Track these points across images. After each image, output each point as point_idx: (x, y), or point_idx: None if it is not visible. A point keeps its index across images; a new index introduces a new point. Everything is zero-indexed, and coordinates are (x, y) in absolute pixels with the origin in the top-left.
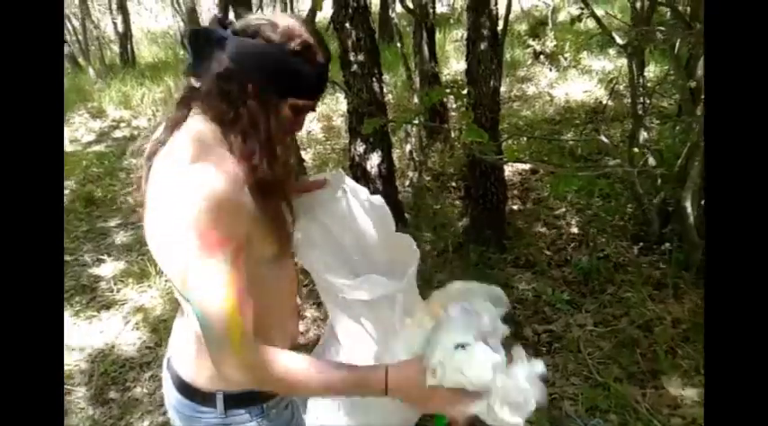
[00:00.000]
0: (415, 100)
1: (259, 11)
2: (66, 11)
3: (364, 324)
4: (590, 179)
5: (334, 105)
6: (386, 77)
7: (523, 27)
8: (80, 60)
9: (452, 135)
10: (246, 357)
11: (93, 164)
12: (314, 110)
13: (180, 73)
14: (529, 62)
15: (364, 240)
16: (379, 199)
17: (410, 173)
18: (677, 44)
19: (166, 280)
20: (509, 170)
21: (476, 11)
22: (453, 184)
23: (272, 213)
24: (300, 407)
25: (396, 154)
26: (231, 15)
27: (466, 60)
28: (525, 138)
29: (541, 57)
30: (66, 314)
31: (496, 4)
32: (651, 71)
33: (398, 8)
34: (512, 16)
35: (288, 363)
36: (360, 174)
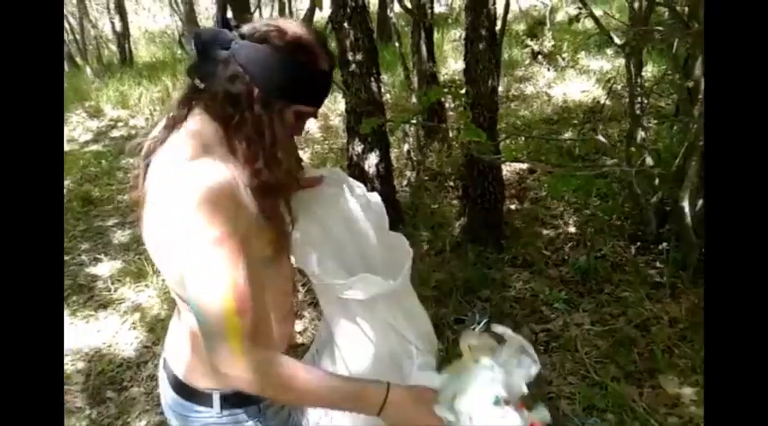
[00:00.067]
0: (413, 99)
1: (258, 10)
2: (64, 10)
3: (360, 324)
4: (588, 178)
5: (332, 105)
6: (384, 77)
7: (521, 27)
8: (77, 59)
9: (450, 134)
10: (245, 358)
11: (90, 164)
12: (316, 116)
13: (178, 72)
14: (527, 62)
15: (361, 238)
16: (375, 197)
17: (408, 173)
18: (675, 44)
19: (163, 280)
20: (507, 169)
21: (474, 10)
22: (451, 184)
23: (271, 214)
24: (297, 408)
25: (394, 153)
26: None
27: (464, 60)
28: (523, 138)
29: (539, 56)
30: (64, 313)
31: (494, 3)
32: (649, 71)
33: (397, 8)
34: (510, 16)
35: (287, 370)
36: (358, 174)
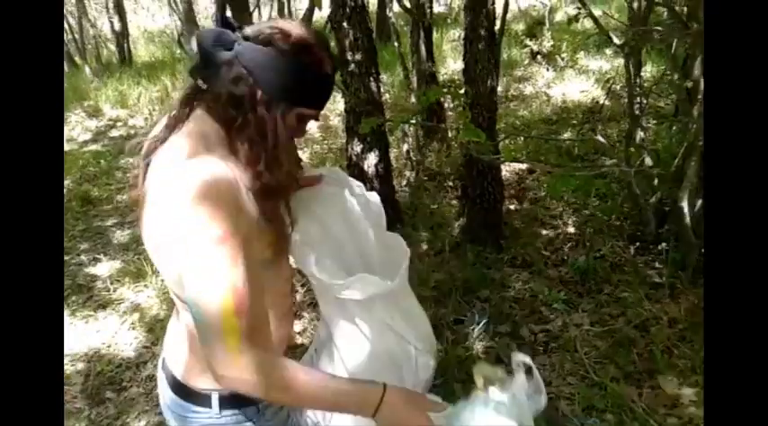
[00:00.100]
0: (413, 99)
1: (257, 10)
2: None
3: (358, 324)
4: (587, 179)
5: (332, 104)
6: (383, 77)
7: (521, 27)
8: (76, 59)
9: (449, 134)
10: (242, 359)
11: (89, 164)
12: (317, 118)
13: (177, 72)
14: (526, 62)
15: (360, 237)
16: (374, 196)
17: (407, 173)
18: (674, 44)
19: (163, 280)
20: (506, 169)
21: (473, 10)
22: (450, 184)
23: (271, 216)
24: (296, 408)
25: (393, 153)
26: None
27: (463, 60)
28: (522, 138)
29: (538, 56)
30: (64, 313)
31: (493, 3)
32: (648, 71)
33: (396, 7)
34: (509, 16)
35: (284, 371)
36: (357, 174)
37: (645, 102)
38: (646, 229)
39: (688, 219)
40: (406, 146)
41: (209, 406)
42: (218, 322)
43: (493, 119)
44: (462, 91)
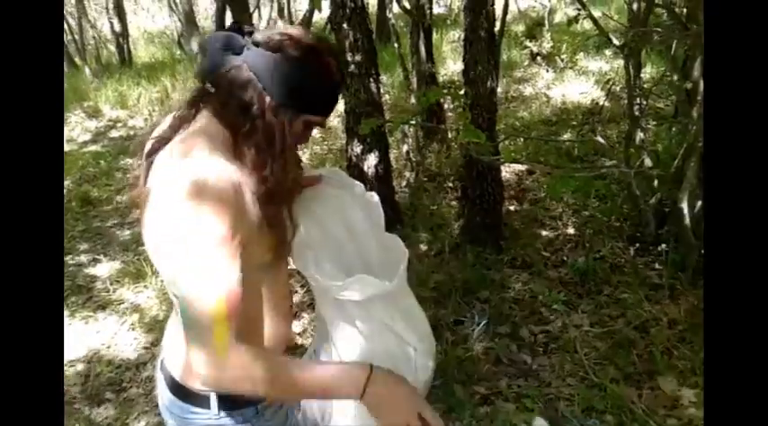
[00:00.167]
0: (412, 100)
1: (256, 11)
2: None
3: (357, 325)
4: (586, 180)
5: None
6: (383, 78)
7: (520, 28)
8: (76, 60)
9: (449, 135)
10: (227, 359)
11: (89, 164)
12: (324, 126)
13: (176, 73)
14: (526, 63)
15: (360, 238)
16: (374, 197)
17: (407, 174)
18: (674, 45)
19: (162, 281)
20: (506, 170)
21: (473, 11)
22: (450, 185)
23: (274, 222)
24: (295, 408)
25: (393, 154)
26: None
27: (463, 61)
28: (522, 139)
29: (538, 58)
30: (64, 314)
31: (493, 4)
32: (648, 72)
33: (396, 9)
34: (508, 17)
35: (269, 364)
36: (357, 175)
37: (644, 103)
38: (645, 230)
39: (688, 220)
40: (405, 147)
41: (208, 407)
42: (208, 324)
43: (493, 120)
44: (462, 92)
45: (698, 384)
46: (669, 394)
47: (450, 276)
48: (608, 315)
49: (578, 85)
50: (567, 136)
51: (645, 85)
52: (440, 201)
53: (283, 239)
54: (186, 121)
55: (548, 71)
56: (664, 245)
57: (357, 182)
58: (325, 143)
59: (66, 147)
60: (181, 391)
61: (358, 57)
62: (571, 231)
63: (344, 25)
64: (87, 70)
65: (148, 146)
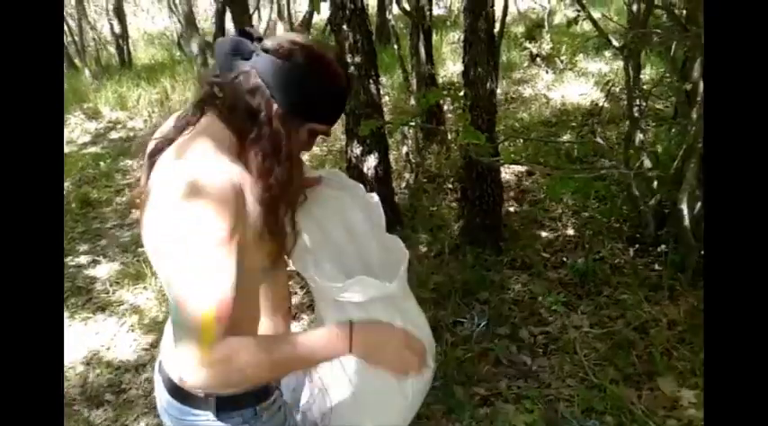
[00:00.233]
0: (412, 101)
1: (256, 12)
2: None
3: None
4: (586, 181)
5: None
6: (383, 79)
7: (520, 29)
8: (76, 61)
9: (449, 137)
10: (207, 365)
11: (89, 166)
12: (328, 134)
13: (176, 74)
14: (525, 64)
15: (360, 240)
16: (374, 198)
17: (407, 175)
18: (673, 47)
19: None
20: (505, 172)
21: (472, 13)
22: (450, 186)
23: (274, 229)
24: (294, 409)
25: (392, 155)
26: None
27: (462, 62)
28: (522, 140)
29: (538, 59)
30: (64, 315)
31: (493, 6)
32: (647, 73)
33: (395, 10)
34: (508, 18)
35: (247, 351)
36: (356, 176)
37: (644, 104)
38: (645, 231)
39: (687, 221)
40: (405, 149)
41: (206, 409)
42: (196, 327)
43: (492, 121)
44: (462, 93)
45: (697, 385)
46: (669, 394)
47: (449, 277)
48: (608, 316)
49: (578, 87)
50: (566, 137)
51: (644, 87)
52: (439, 203)
53: (283, 246)
54: (191, 123)
55: (547, 72)
56: (663, 246)
57: (357, 184)
58: (325, 144)
59: (66, 149)
60: (179, 393)
61: (358, 59)
62: (571, 232)
63: (344, 27)
64: (87, 72)
65: (151, 145)
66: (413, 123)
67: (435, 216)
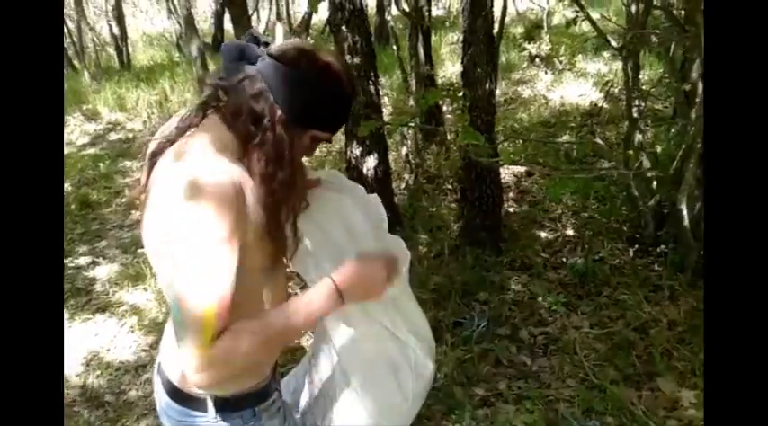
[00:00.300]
0: (411, 102)
1: (255, 13)
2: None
3: (357, 328)
4: (585, 181)
5: None
6: (382, 80)
7: (519, 30)
8: (75, 63)
9: (448, 137)
10: (213, 353)
11: (88, 167)
12: (330, 141)
13: (175, 75)
14: (524, 65)
15: (360, 240)
16: (375, 198)
17: (406, 176)
18: (672, 47)
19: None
20: (505, 172)
21: (471, 14)
22: (449, 187)
23: (275, 233)
24: (294, 410)
25: (392, 156)
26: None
27: (461, 63)
28: (521, 141)
29: (537, 60)
30: (64, 316)
31: (492, 6)
32: (646, 74)
33: (394, 11)
34: (507, 19)
35: (244, 336)
36: (356, 177)
37: (643, 104)
38: (644, 232)
39: (687, 222)
40: (404, 149)
41: (205, 410)
42: (197, 326)
43: (491, 122)
44: (461, 94)
45: (697, 385)
46: (669, 395)
47: (449, 278)
48: (607, 317)
49: (577, 87)
50: (565, 137)
51: (643, 87)
52: (439, 203)
53: (283, 250)
54: (193, 125)
55: (546, 73)
56: (663, 247)
57: (356, 185)
58: (325, 145)
59: (65, 150)
60: (178, 395)
61: (357, 60)
62: (570, 232)
63: (343, 28)
64: (86, 73)
65: (153, 146)
66: (412, 124)
67: (435, 216)
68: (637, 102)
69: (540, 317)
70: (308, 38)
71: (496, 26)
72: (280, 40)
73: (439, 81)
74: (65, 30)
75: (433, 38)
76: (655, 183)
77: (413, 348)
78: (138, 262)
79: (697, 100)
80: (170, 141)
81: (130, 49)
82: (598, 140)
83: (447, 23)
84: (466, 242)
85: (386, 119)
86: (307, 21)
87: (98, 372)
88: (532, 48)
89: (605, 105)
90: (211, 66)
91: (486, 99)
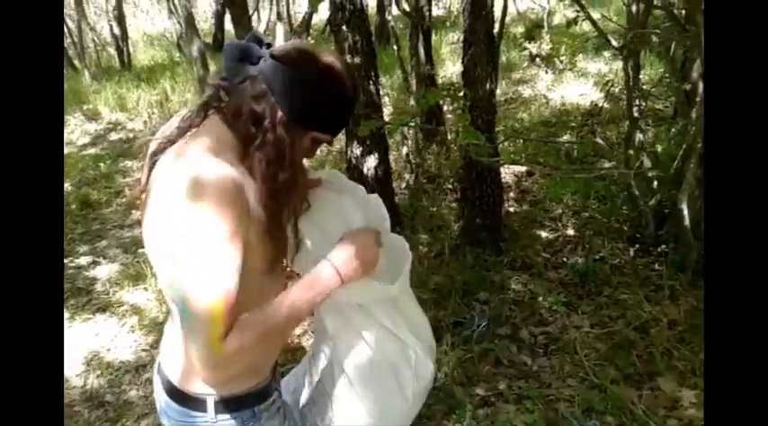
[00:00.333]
0: (412, 102)
1: (255, 13)
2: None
3: (358, 328)
4: (586, 181)
5: None
6: (382, 80)
7: (519, 30)
8: (76, 63)
9: (449, 137)
10: (221, 352)
11: (88, 167)
12: (331, 143)
13: (176, 75)
14: (525, 65)
15: None
16: (376, 198)
17: (407, 176)
18: (672, 47)
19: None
20: (505, 172)
21: (472, 13)
22: (450, 186)
23: (276, 234)
24: (295, 411)
25: (392, 156)
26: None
27: (462, 63)
28: (521, 141)
29: (537, 59)
30: (64, 317)
31: (492, 6)
32: (646, 74)
33: (395, 11)
34: (507, 19)
35: (250, 329)
36: (356, 177)
37: (643, 104)
38: (645, 231)
39: (687, 221)
40: (405, 149)
41: (205, 411)
42: (204, 323)
43: (492, 121)
44: (461, 94)
45: (698, 385)
46: (669, 394)
47: (449, 277)
48: (608, 316)
49: (577, 87)
50: (566, 137)
51: (644, 87)
52: (439, 203)
53: (284, 251)
54: (194, 125)
55: (547, 73)
56: (663, 246)
57: (357, 185)
58: (325, 145)
59: (66, 150)
60: (178, 395)
61: (357, 60)
62: (571, 232)
63: (344, 27)
64: (87, 73)
65: (153, 146)
66: (412, 124)
67: (435, 216)
68: (637, 102)
69: (541, 317)
70: (309, 38)
71: (497, 26)
72: (280, 40)
73: (439, 81)
74: (65, 29)
75: (434, 37)
76: (655, 183)
77: (413, 348)
78: (138, 262)
79: (697, 99)
80: (171, 141)
81: (131, 49)
82: (599, 140)
83: (447, 23)
84: (466, 241)
85: (386, 118)
86: (307, 21)
87: (98, 372)
88: (533, 47)
89: (606, 105)
90: (212, 67)
91: (486, 98)
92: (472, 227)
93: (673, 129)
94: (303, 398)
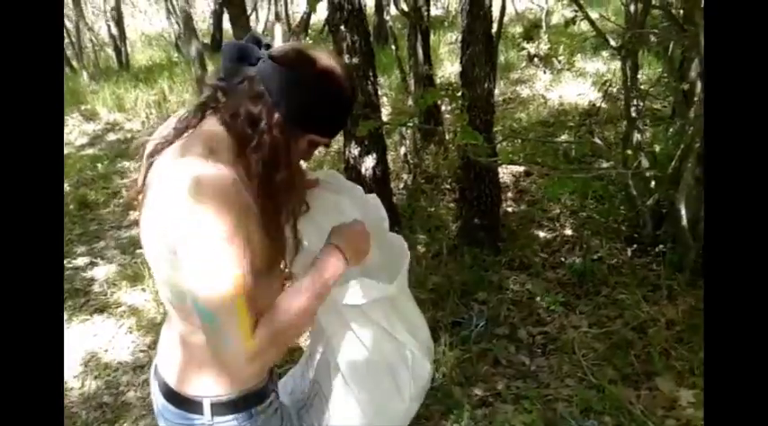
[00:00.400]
0: (410, 102)
1: (254, 13)
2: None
3: (355, 329)
4: (584, 181)
5: None
6: (380, 80)
7: (517, 30)
8: (74, 63)
9: (447, 137)
10: (257, 343)
11: (86, 167)
12: (328, 146)
13: (174, 75)
14: (523, 65)
15: None
16: (374, 198)
17: (405, 176)
18: (671, 47)
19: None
20: (503, 172)
21: (470, 13)
22: (448, 186)
23: (274, 235)
24: (292, 412)
25: (390, 156)
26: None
27: (460, 63)
28: (520, 141)
29: (535, 59)
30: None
31: (491, 6)
32: (645, 73)
33: (393, 11)
34: (506, 19)
35: (275, 321)
36: (354, 177)
37: (641, 104)
38: (643, 231)
39: (685, 221)
40: (403, 149)
41: (201, 413)
42: (228, 314)
43: (490, 121)
44: (459, 94)
45: (696, 384)
46: (667, 394)
47: (447, 277)
48: (606, 316)
49: (576, 87)
50: (564, 137)
51: (642, 87)
52: (437, 203)
53: (282, 252)
54: (191, 126)
55: (545, 73)
56: (661, 246)
57: (355, 185)
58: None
59: (64, 150)
60: (174, 397)
61: (356, 60)
62: (569, 232)
63: (342, 27)
64: (85, 73)
65: (150, 146)
66: (411, 124)
67: (433, 216)
68: (635, 102)
69: (539, 317)
70: (307, 38)
71: (495, 26)
72: (279, 41)
73: (438, 81)
74: (64, 30)
75: (432, 37)
76: (653, 183)
77: (410, 348)
78: (136, 263)
79: (695, 99)
80: (168, 142)
81: (129, 50)
82: (596, 140)
83: (446, 23)
84: (464, 241)
85: (384, 118)
86: (305, 21)
87: (96, 373)
88: (531, 47)
89: (604, 105)
90: (210, 67)
91: (484, 98)
92: (470, 227)
93: (671, 129)
94: (300, 399)
